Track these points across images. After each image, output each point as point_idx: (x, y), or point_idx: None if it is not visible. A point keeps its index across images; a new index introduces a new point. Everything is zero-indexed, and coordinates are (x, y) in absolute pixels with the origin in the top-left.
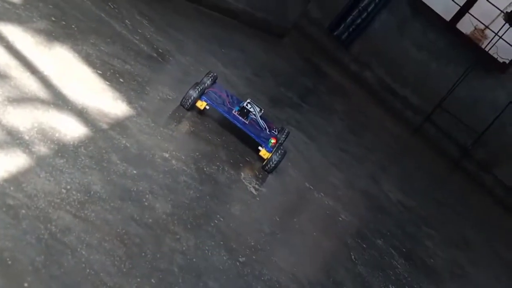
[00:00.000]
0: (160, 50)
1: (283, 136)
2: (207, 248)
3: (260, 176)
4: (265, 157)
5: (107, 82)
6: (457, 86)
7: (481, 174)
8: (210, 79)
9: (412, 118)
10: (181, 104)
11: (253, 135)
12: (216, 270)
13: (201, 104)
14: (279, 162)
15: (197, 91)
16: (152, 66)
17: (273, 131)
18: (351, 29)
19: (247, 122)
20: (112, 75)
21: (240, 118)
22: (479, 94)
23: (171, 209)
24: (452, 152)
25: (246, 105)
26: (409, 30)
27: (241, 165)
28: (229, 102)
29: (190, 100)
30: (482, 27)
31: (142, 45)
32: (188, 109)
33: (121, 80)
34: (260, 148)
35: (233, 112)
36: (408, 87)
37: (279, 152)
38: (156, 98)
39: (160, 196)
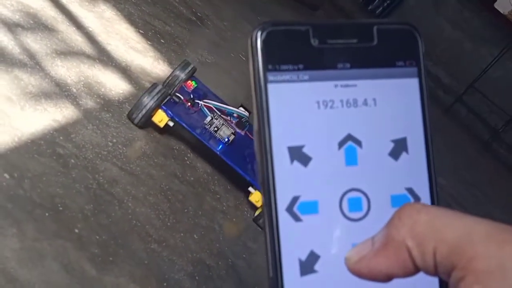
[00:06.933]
0: (198, 14)
1: None
2: (245, 210)
3: None
4: (258, 205)
5: (149, 42)
6: (491, 67)
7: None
8: (185, 73)
9: (443, 97)
10: (128, 117)
11: (240, 170)
12: (256, 231)
13: (160, 119)
14: None
15: (156, 97)
16: (191, 29)
17: None
18: (386, 3)
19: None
20: (153, 35)
21: (222, 141)
22: None
23: (211, 170)
24: (482, 134)
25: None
26: (445, 7)
27: None
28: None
29: (142, 112)
30: None
31: (181, 7)
32: (140, 126)
33: (162, 41)
34: (251, 189)
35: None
36: (441, 66)
37: None
38: (195, 61)
39: (200, 156)
